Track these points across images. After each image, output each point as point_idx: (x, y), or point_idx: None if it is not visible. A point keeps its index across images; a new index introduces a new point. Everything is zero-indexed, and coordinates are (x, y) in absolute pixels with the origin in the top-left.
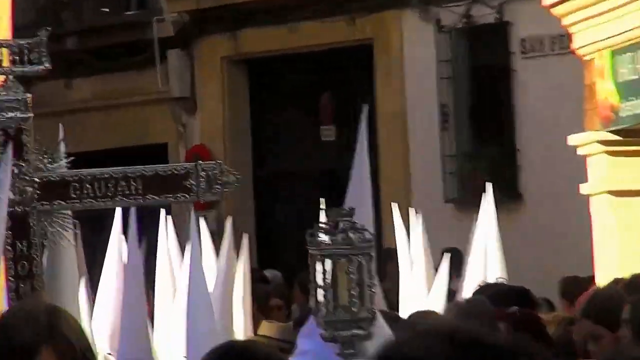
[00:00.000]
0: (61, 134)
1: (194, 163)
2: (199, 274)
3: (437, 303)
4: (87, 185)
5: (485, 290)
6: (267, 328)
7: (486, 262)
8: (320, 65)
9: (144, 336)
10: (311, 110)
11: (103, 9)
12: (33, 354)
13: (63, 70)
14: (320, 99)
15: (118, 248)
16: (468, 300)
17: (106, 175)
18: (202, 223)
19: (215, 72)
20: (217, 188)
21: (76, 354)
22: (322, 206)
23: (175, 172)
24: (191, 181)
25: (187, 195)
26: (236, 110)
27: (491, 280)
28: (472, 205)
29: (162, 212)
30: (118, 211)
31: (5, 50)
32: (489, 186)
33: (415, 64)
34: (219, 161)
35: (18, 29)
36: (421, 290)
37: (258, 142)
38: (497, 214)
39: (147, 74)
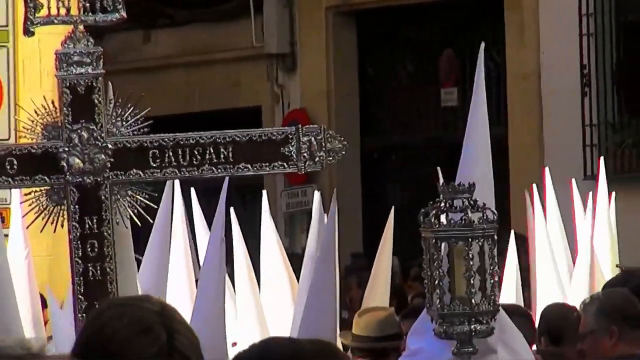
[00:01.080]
0: (110, 94)
1: (294, 127)
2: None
3: (578, 296)
4: (169, 153)
5: (627, 280)
6: (357, 327)
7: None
8: (440, 18)
9: (219, 326)
10: (430, 71)
11: None
12: None
13: (140, 21)
14: (441, 58)
15: (182, 229)
16: (607, 294)
17: (192, 141)
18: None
19: (319, 24)
20: (321, 156)
21: None
22: (440, 179)
23: (272, 137)
24: (291, 148)
25: (285, 165)
26: (342, 69)
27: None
28: (616, 182)
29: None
30: (176, 184)
31: None
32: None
33: (553, 18)
34: (323, 125)
35: None
36: (554, 282)
37: (367, 108)
38: None
39: (238, 26)
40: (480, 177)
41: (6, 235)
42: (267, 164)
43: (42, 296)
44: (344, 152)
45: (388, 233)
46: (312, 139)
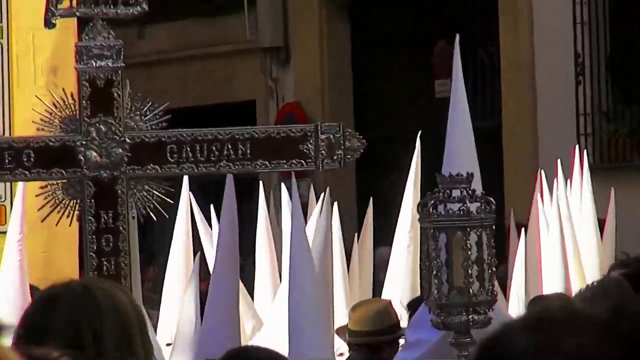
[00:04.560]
0: (128, 88)
1: (313, 125)
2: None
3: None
4: (187, 148)
5: (623, 267)
6: (351, 321)
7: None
8: (434, 9)
9: (235, 325)
10: (424, 62)
11: None
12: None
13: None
14: (435, 49)
15: (186, 226)
16: (600, 282)
17: (210, 137)
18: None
19: (312, 17)
20: (339, 154)
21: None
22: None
23: (291, 134)
24: (309, 145)
25: (303, 162)
26: (336, 62)
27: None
28: (611, 172)
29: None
30: (185, 180)
31: None
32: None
33: (546, 6)
34: (341, 123)
35: None
36: (556, 271)
37: (361, 100)
38: (638, 184)
39: (232, 20)
40: (465, 165)
41: (3, 232)
42: (285, 161)
43: (33, 288)
44: (362, 151)
45: (368, 223)
46: (331, 136)
